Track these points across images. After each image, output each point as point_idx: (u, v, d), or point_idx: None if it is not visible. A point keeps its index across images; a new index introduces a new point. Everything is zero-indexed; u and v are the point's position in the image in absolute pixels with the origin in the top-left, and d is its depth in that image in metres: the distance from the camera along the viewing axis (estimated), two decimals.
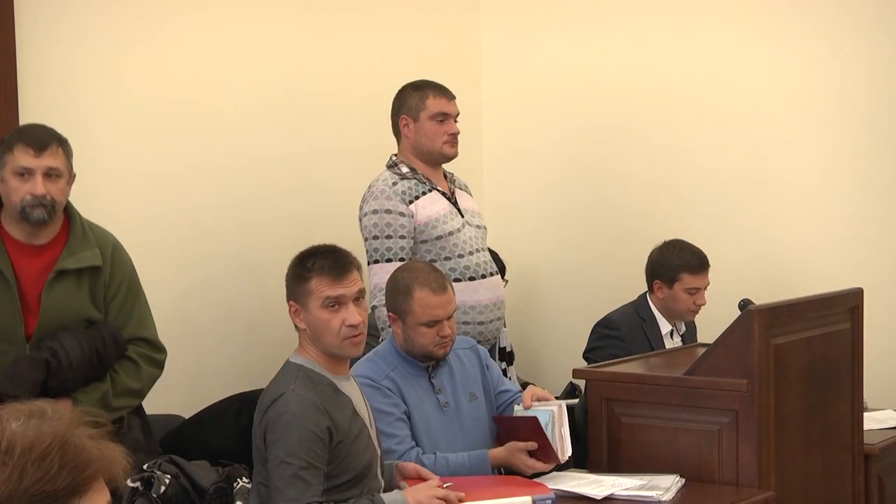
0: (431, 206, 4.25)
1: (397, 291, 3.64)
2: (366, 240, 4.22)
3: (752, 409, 3.49)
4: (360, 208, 4.28)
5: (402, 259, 4.14)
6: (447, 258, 4.22)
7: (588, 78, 5.47)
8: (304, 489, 2.99)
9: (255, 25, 4.70)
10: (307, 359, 3.19)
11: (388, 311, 3.70)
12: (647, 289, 4.78)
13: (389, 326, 3.75)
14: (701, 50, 5.21)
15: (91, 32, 4.16)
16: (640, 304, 4.74)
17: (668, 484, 3.43)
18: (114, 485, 1.67)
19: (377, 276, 4.16)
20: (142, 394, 3.63)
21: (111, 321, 3.53)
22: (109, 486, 1.67)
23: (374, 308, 4.17)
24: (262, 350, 4.57)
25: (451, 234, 4.25)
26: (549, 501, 3.20)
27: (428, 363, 3.68)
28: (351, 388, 3.23)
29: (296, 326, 3.23)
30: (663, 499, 3.34)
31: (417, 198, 4.23)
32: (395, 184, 4.23)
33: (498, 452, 3.56)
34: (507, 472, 3.57)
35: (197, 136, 4.48)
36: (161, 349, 3.67)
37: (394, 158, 4.35)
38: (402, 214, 4.18)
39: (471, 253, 4.26)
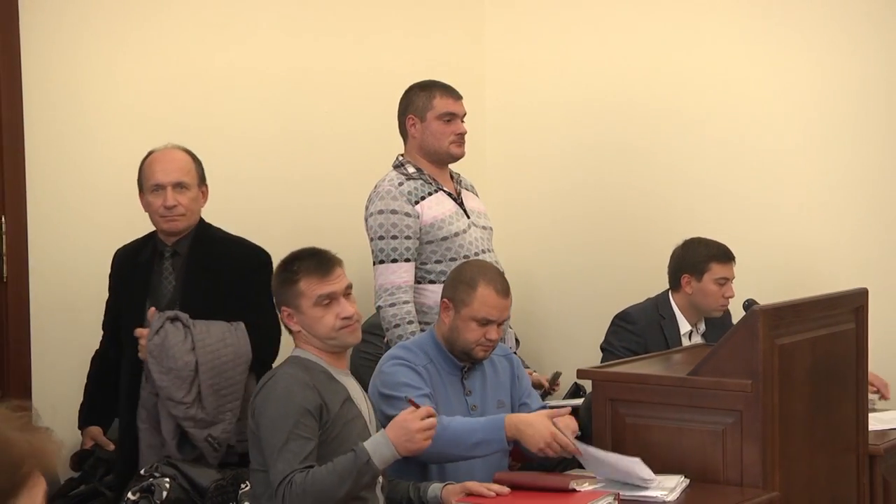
0: (437, 207, 4.24)
1: (461, 280, 3.65)
2: (371, 240, 4.22)
3: (756, 410, 3.48)
4: (366, 208, 4.28)
5: (407, 259, 4.14)
6: (453, 259, 4.20)
7: (592, 79, 5.46)
8: (292, 460, 3.01)
9: (260, 23, 4.69)
10: (306, 351, 3.27)
11: (442, 297, 3.69)
12: (658, 288, 4.77)
13: (412, 325, 3.83)
14: (705, 53, 5.20)
15: (96, 31, 4.17)
16: (661, 301, 4.72)
17: (673, 484, 3.42)
18: (49, 473, 1.59)
19: (382, 277, 4.16)
20: None
21: None
22: (45, 476, 1.59)
23: (378, 308, 4.16)
24: None
25: (456, 234, 4.24)
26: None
27: (464, 363, 3.68)
28: (348, 382, 3.28)
29: (289, 330, 3.31)
30: (668, 499, 3.34)
31: (423, 198, 4.23)
32: (401, 184, 4.23)
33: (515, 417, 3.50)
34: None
35: (201, 135, 4.46)
36: None
37: (400, 158, 4.35)
38: (407, 215, 4.18)
39: (476, 254, 4.25)
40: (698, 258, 4.67)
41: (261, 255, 3.88)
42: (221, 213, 4.48)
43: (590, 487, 3.33)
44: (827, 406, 3.78)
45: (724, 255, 4.67)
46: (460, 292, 3.63)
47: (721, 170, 5.18)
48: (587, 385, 4.51)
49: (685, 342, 4.64)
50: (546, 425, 3.42)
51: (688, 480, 3.49)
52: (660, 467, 3.56)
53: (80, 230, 4.14)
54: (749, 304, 4.11)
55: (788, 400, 3.58)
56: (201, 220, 3.90)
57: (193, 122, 4.46)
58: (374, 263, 4.19)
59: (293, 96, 4.81)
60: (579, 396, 4.95)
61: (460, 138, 4.33)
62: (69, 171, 4.08)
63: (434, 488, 3.32)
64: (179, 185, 3.80)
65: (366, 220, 4.26)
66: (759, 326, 3.49)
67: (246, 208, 4.59)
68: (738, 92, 5.12)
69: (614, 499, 3.25)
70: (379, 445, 3.06)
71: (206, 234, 3.88)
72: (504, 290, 3.67)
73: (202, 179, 3.89)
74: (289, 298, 3.27)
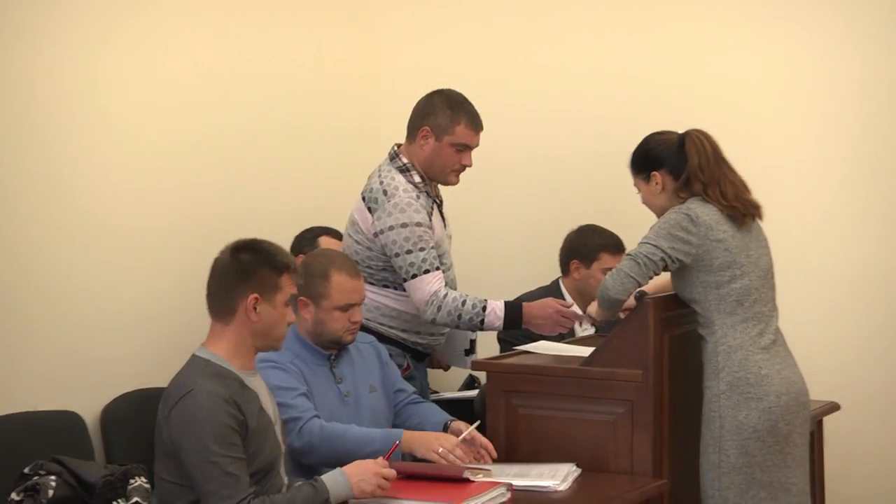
0: (437, 224, 4.19)
1: (313, 275, 3.66)
2: (397, 255, 4.05)
3: (647, 400, 3.54)
4: (380, 219, 4.09)
5: (437, 269, 4.05)
6: (436, 269, 4.08)
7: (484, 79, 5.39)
8: (236, 484, 2.95)
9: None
10: (214, 353, 3.14)
11: (299, 296, 3.64)
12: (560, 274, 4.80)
13: (468, 301, 3.96)
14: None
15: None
16: (552, 289, 4.75)
17: (564, 473, 3.46)
18: None
19: (419, 291, 4.02)
20: None
21: None
22: None
23: (433, 320, 4.04)
24: (168, 343, 4.45)
25: (445, 250, 4.22)
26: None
27: (331, 352, 3.71)
28: (257, 384, 3.20)
29: (259, 318, 3.14)
30: (559, 488, 3.38)
31: (430, 213, 4.17)
32: (418, 197, 4.11)
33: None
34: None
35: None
36: None
37: (404, 162, 4.19)
38: (429, 227, 4.10)
39: (449, 266, 4.24)
40: (590, 246, 4.71)
41: None
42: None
43: (484, 478, 3.35)
44: None
45: (615, 245, 4.71)
46: (315, 287, 3.65)
47: None
48: (482, 377, 4.53)
49: (577, 328, 4.68)
50: (431, 436, 3.60)
51: (579, 469, 3.54)
52: (552, 457, 3.61)
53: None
54: (641, 296, 4.16)
55: (679, 390, 3.65)
56: None
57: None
58: (405, 280, 4.04)
59: (215, 97, 4.67)
60: (473, 388, 4.98)
61: (462, 169, 4.23)
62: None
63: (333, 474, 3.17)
64: None
65: (382, 232, 4.07)
66: (650, 317, 3.55)
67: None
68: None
69: (507, 489, 3.28)
70: (337, 484, 3.07)
71: None
72: (355, 271, 3.75)
73: None
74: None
